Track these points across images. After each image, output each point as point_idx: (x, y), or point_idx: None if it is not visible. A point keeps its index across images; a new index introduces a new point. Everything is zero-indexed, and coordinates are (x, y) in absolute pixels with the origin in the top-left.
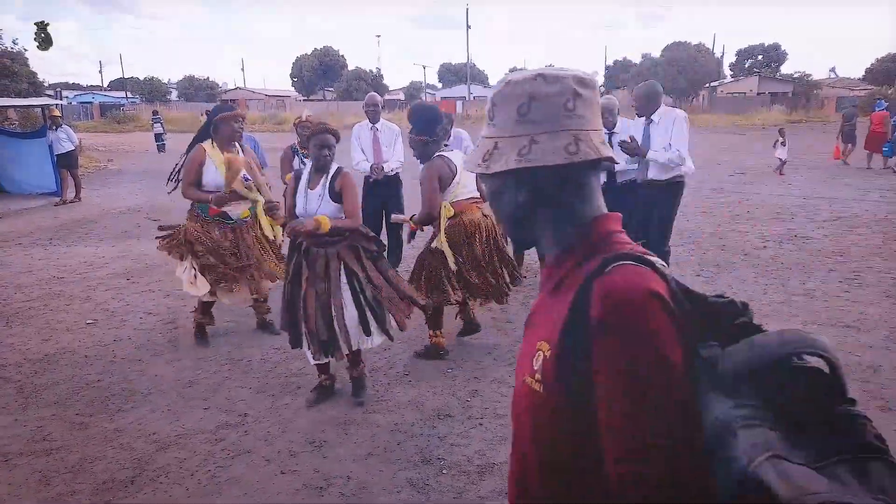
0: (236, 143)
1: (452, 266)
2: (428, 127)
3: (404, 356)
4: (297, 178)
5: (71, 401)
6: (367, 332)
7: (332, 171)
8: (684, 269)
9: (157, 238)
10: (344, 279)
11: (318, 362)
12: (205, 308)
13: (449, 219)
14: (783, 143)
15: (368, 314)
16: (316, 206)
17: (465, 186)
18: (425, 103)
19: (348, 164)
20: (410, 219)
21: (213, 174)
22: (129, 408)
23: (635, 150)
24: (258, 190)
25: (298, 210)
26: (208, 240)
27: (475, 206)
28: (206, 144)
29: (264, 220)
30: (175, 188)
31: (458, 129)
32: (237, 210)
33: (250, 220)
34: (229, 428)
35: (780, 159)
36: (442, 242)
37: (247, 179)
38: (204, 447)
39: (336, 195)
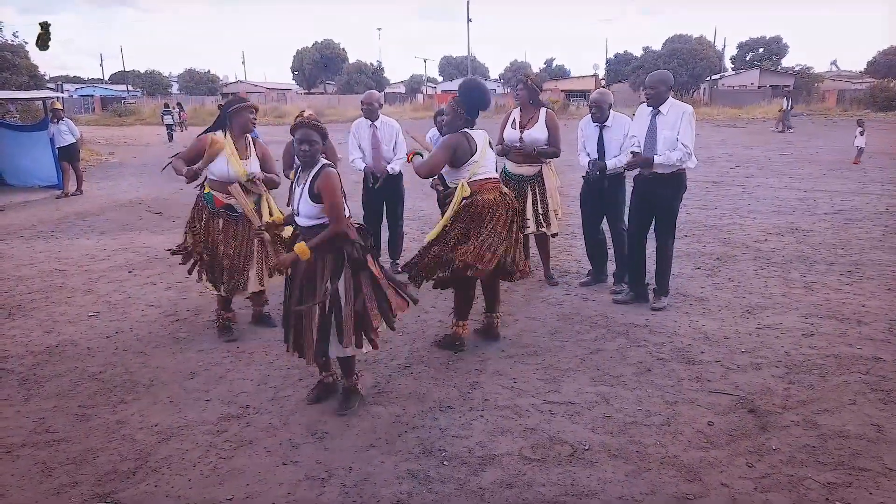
0: (248, 136)
1: (427, 238)
2: (471, 106)
3: (406, 348)
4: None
5: (73, 392)
6: (339, 341)
7: (314, 170)
8: (685, 261)
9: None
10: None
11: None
12: (224, 303)
13: (464, 198)
14: (862, 133)
15: (333, 327)
16: (303, 208)
17: (484, 167)
18: (480, 82)
19: (345, 158)
20: (413, 154)
21: (223, 165)
22: (131, 399)
23: (644, 164)
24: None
25: (296, 209)
26: (213, 237)
27: (493, 185)
28: (221, 135)
29: (273, 209)
30: (167, 167)
31: None
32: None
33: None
34: (231, 419)
35: (859, 148)
36: (444, 217)
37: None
38: (206, 438)
39: (315, 196)
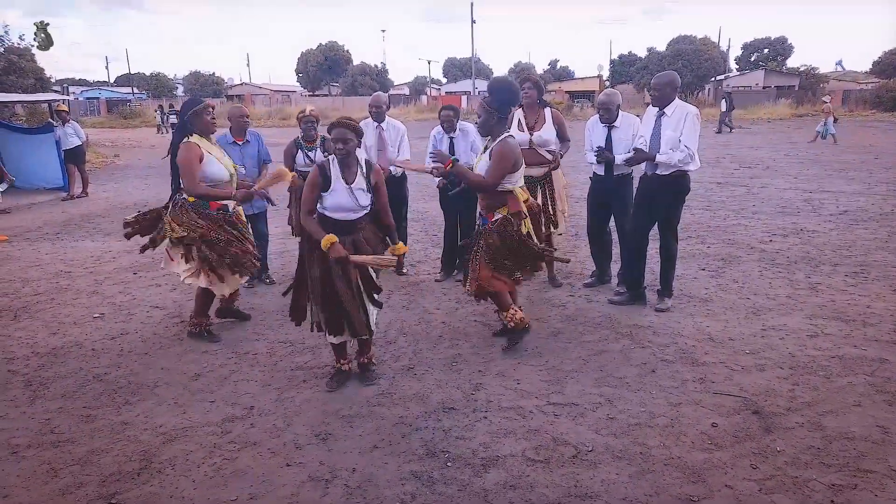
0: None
1: (538, 243)
2: (501, 103)
3: (409, 349)
4: (324, 173)
5: (78, 394)
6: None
7: (365, 165)
8: (689, 262)
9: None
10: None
11: (334, 342)
12: (203, 309)
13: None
14: None
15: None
16: (364, 200)
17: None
18: (506, 79)
19: None
20: (453, 161)
21: (216, 167)
22: (136, 400)
23: (645, 157)
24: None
25: (346, 204)
26: (200, 228)
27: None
28: (195, 139)
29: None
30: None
31: (464, 123)
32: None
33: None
34: (235, 421)
35: None
36: (528, 226)
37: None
38: (210, 440)
39: (372, 188)
